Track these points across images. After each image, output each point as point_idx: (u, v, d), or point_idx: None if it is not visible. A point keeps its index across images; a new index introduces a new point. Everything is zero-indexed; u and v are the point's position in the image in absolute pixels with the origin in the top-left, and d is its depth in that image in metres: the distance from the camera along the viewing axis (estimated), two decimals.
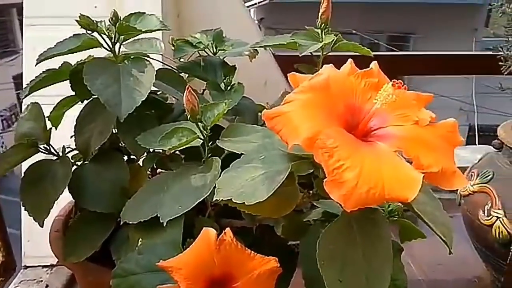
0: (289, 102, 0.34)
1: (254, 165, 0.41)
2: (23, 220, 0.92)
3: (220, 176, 0.43)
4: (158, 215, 0.46)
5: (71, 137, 0.61)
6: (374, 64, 0.38)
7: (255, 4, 4.86)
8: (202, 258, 0.40)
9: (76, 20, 0.52)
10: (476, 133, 4.58)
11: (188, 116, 0.47)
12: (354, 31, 5.44)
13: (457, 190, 0.98)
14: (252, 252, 0.42)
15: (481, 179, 0.86)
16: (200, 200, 0.45)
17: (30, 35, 0.94)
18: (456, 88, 5.19)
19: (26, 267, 0.92)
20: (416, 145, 0.33)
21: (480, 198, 0.88)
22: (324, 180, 0.30)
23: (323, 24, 0.61)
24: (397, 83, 0.33)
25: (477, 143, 3.98)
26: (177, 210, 0.45)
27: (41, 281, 0.88)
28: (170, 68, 0.65)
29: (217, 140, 0.49)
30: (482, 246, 0.87)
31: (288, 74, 0.37)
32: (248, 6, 4.75)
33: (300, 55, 0.58)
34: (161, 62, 0.73)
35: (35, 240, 0.93)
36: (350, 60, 0.38)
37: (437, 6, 5.75)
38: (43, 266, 0.91)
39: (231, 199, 0.38)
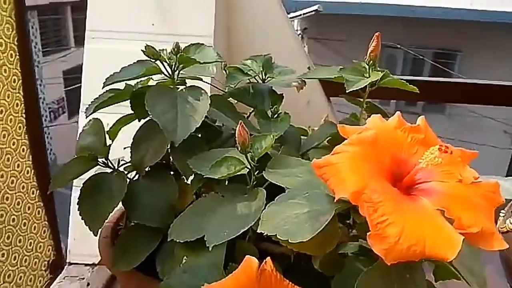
0: (338, 153, 0.36)
1: (298, 201, 0.44)
2: (71, 220, 0.98)
3: (264, 207, 0.47)
4: (204, 238, 0.50)
5: (124, 148, 0.66)
6: (421, 120, 0.40)
7: (300, 15, 4.87)
8: (242, 286, 0.43)
9: (142, 51, 0.56)
10: None
11: (239, 148, 0.51)
12: (398, 46, 5.35)
13: (496, 223, 0.97)
14: (291, 283, 0.44)
15: None
16: (245, 229, 0.47)
17: (91, 47, 1.01)
18: (500, 109, 5.02)
19: (70, 263, 0.98)
20: (458, 205, 0.34)
21: None
22: (368, 234, 0.32)
23: (371, 61, 0.63)
24: (443, 147, 0.35)
25: None
26: (223, 236, 0.48)
27: (83, 278, 0.93)
28: (220, 94, 0.69)
29: (263, 172, 0.52)
30: None
31: (338, 126, 0.40)
32: (292, 17, 4.76)
33: (346, 91, 0.60)
34: (211, 84, 0.77)
35: (80, 240, 0.99)
36: (398, 113, 0.40)
37: (486, 24, 5.56)
38: (86, 264, 0.97)
39: (275, 234, 0.40)
